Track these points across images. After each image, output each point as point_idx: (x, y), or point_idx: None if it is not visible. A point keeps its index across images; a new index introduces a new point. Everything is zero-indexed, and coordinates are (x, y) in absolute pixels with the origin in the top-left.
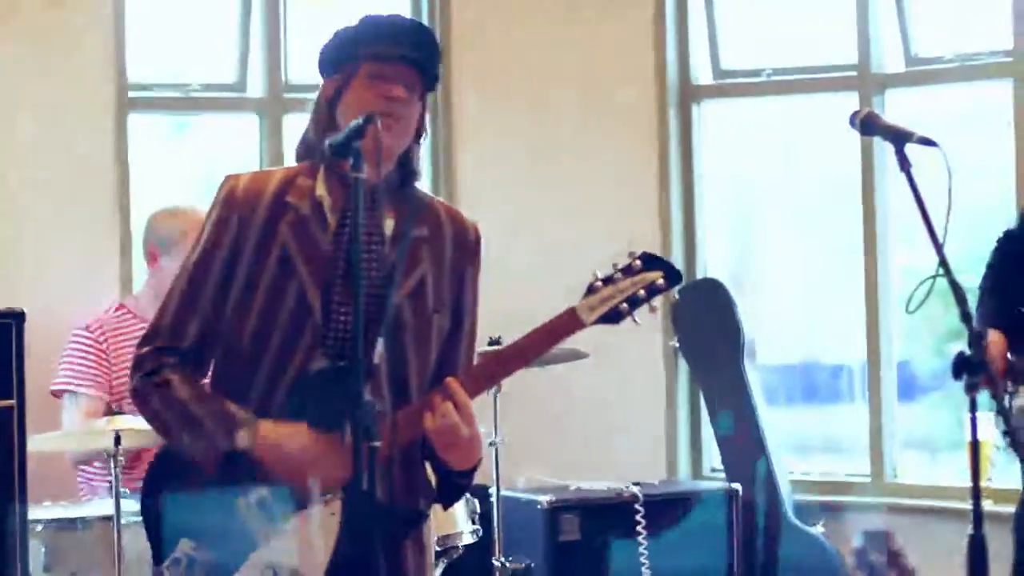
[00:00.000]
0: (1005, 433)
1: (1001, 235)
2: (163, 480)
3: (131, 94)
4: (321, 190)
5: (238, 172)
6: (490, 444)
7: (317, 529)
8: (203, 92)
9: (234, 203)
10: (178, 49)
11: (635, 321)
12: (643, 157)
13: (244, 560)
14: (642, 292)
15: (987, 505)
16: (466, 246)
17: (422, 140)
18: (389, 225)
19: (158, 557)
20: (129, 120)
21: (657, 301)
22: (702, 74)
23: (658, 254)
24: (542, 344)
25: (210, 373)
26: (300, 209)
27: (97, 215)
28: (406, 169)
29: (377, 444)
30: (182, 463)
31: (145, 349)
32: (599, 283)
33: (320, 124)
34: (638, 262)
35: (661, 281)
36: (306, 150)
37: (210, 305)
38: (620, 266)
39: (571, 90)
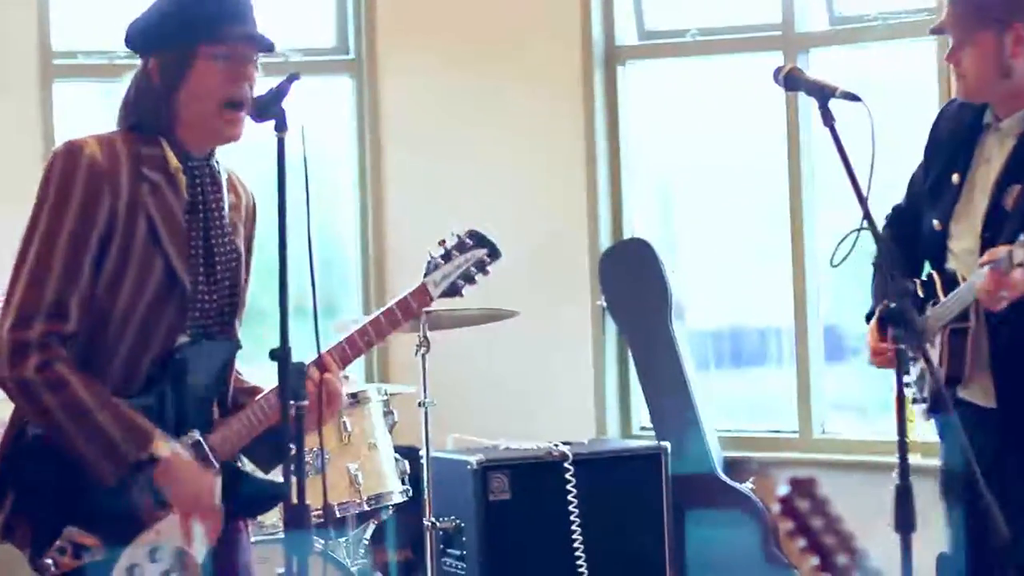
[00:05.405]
0: (915, 401)
1: (890, 210)
2: (30, 464)
3: (56, 61)
4: (173, 161)
5: (76, 139)
6: (419, 405)
7: None
8: (128, 59)
9: (100, 173)
10: (103, 16)
11: (461, 295)
12: (568, 118)
13: (129, 542)
14: (473, 268)
15: (915, 459)
16: (253, 213)
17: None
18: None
19: (38, 547)
20: (54, 88)
21: (479, 277)
22: (626, 35)
23: (483, 232)
24: (399, 318)
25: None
26: (156, 180)
27: (23, 184)
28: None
29: (305, 403)
30: (53, 450)
31: (26, 333)
32: (440, 260)
33: (158, 101)
34: (468, 240)
35: (487, 258)
36: (136, 120)
37: (89, 281)
38: (453, 244)
39: (495, 51)
